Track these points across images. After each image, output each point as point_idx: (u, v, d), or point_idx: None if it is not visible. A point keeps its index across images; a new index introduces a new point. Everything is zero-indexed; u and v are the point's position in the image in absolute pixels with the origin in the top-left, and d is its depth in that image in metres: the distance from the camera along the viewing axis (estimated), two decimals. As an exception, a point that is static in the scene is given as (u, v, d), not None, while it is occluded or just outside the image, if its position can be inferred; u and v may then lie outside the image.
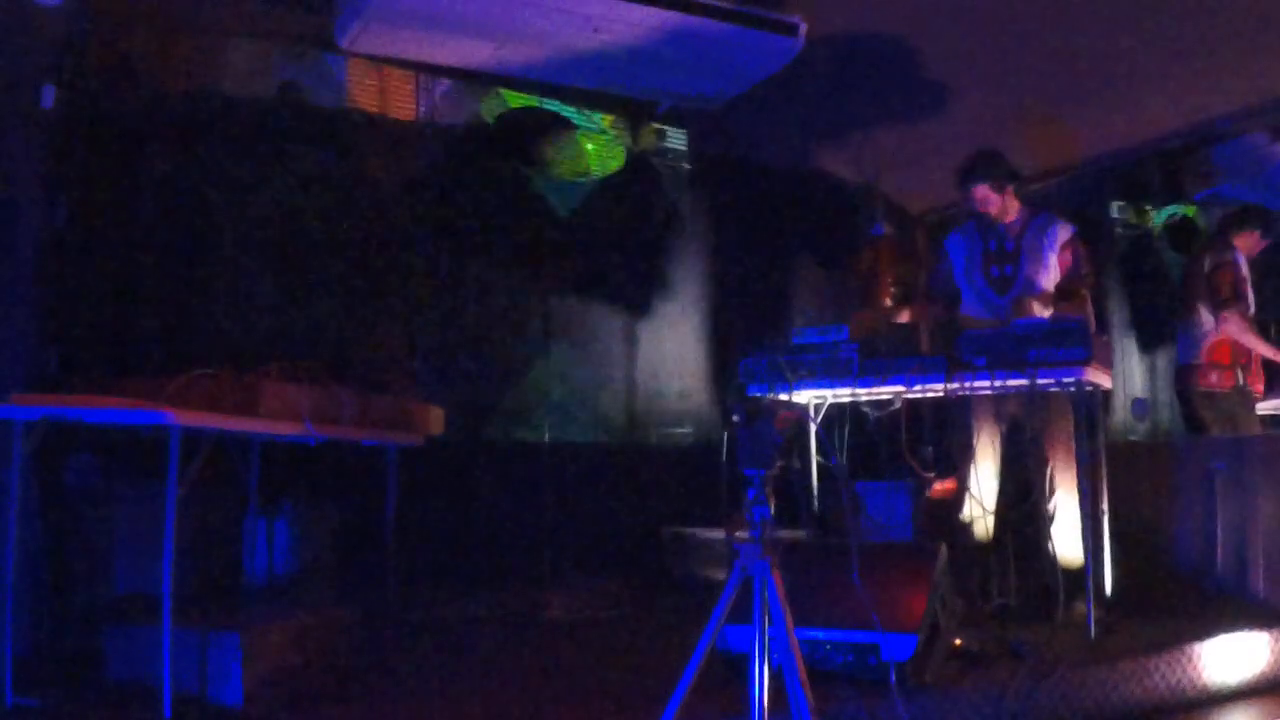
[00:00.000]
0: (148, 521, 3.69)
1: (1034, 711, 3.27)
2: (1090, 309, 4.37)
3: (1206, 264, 5.34)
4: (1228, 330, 5.19)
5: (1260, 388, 5.43)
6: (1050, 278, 4.43)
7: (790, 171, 6.85)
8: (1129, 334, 7.90)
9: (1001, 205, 4.49)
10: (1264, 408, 5.91)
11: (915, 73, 5.53)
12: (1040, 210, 4.63)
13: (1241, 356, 5.26)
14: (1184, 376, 5.48)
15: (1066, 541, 4.19)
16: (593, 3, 4.48)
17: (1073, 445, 4.22)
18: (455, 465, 5.42)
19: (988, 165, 4.47)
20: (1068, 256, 4.42)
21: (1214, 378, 5.26)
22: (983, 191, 4.46)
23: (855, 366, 3.97)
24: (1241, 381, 5.26)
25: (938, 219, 7.20)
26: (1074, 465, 4.22)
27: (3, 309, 3.95)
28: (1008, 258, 4.49)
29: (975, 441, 4.37)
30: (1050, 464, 4.24)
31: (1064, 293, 4.38)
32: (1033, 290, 4.39)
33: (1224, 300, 5.15)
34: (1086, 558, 3.85)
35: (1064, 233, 4.45)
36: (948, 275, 4.69)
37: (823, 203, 6.89)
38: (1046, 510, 4.25)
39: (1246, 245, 5.37)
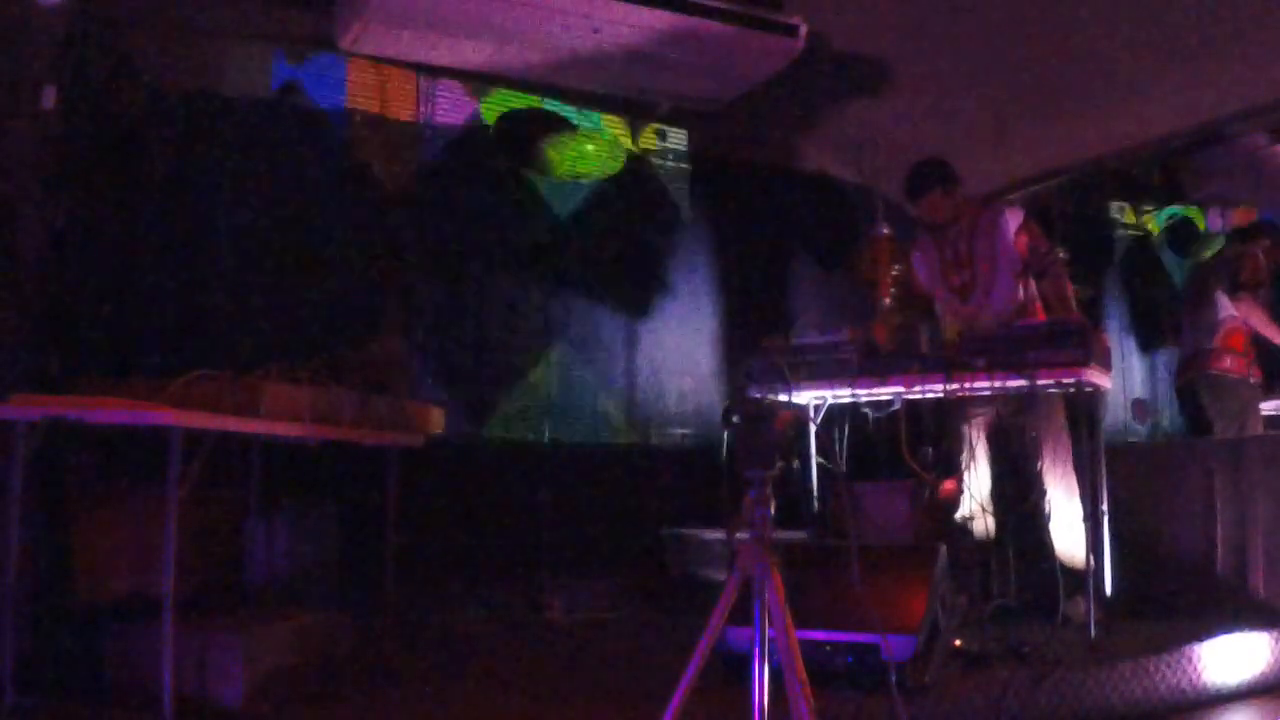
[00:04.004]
0: (148, 521, 3.69)
1: (1034, 711, 3.27)
2: (1069, 288, 4.37)
3: (1228, 253, 5.37)
4: (1242, 310, 5.20)
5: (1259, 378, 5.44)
6: (1012, 269, 4.41)
7: (790, 171, 6.85)
8: (1129, 334, 7.91)
9: (951, 210, 4.50)
10: (1264, 408, 5.92)
11: (915, 73, 5.53)
12: (987, 204, 4.64)
13: (1251, 350, 5.27)
14: (1193, 363, 5.42)
15: (1066, 540, 4.19)
16: (593, 4, 4.48)
17: (1065, 443, 4.23)
18: (455, 465, 5.42)
19: (932, 173, 4.49)
20: (1025, 239, 4.39)
21: (1228, 362, 5.24)
22: (933, 199, 4.48)
23: (855, 367, 3.98)
24: (1251, 375, 5.26)
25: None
26: (1069, 462, 4.23)
27: (3, 309, 3.95)
28: (963, 263, 4.50)
29: (966, 443, 4.37)
30: (1042, 463, 4.23)
31: (1041, 269, 4.36)
32: (994, 290, 4.39)
33: (1243, 283, 5.18)
34: (1087, 556, 3.85)
35: (1014, 219, 4.43)
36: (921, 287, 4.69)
37: (823, 203, 6.90)
38: (1043, 509, 4.25)
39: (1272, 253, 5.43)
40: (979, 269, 4.43)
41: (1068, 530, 4.22)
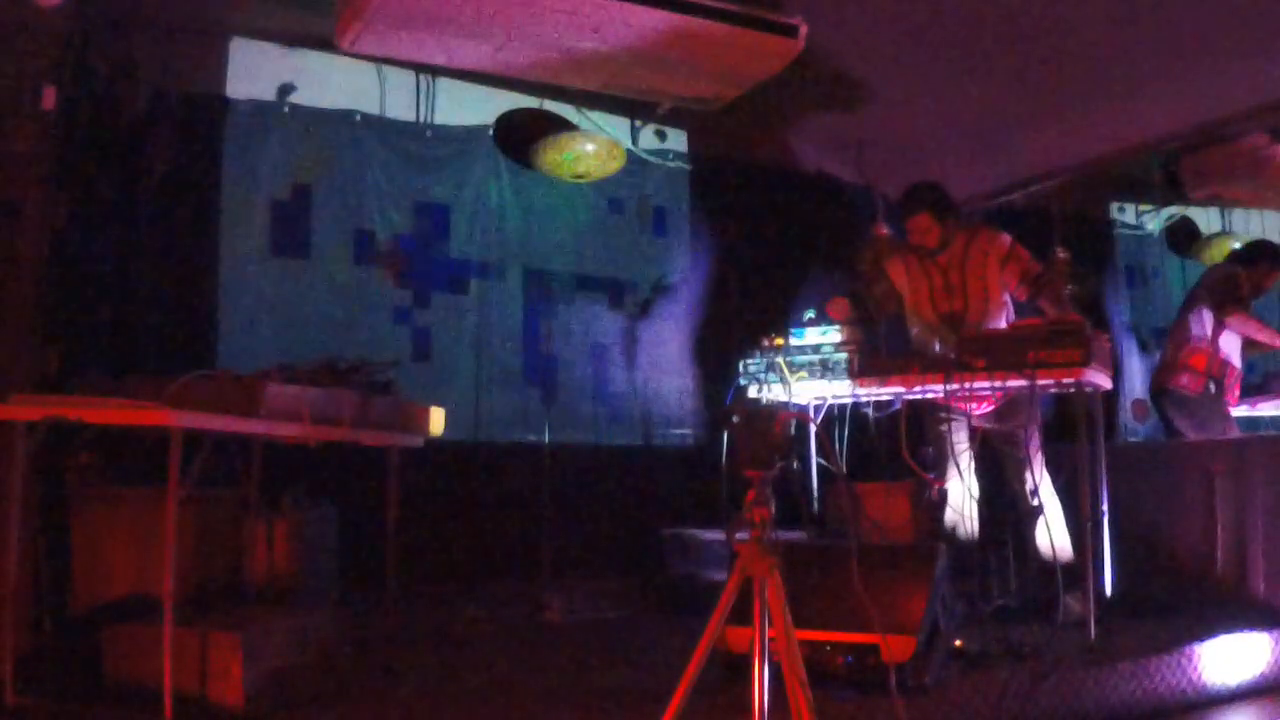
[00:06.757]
0: (148, 521, 3.70)
1: (1034, 711, 3.27)
2: (1064, 290, 4.37)
3: (1213, 275, 5.48)
4: (1235, 324, 5.27)
5: (1234, 402, 5.48)
6: (1002, 295, 4.46)
7: (790, 171, 6.85)
8: (1129, 334, 7.91)
9: (941, 236, 4.48)
10: (1264, 408, 5.94)
11: (915, 74, 5.53)
12: (973, 228, 4.63)
13: (1215, 369, 5.32)
14: (1157, 375, 5.61)
15: (1057, 537, 4.21)
16: (593, 4, 4.48)
17: (1042, 443, 4.27)
18: (455, 465, 5.42)
19: (929, 195, 4.47)
20: (1014, 266, 4.41)
21: (1185, 379, 5.36)
22: (925, 221, 4.45)
23: (855, 367, 3.98)
24: (1212, 390, 5.31)
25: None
26: (1043, 460, 4.27)
27: (3, 309, 3.95)
28: (955, 292, 4.49)
29: (952, 449, 4.37)
30: (1027, 465, 4.24)
31: (1036, 291, 4.38)
32: (987, 320, 4.41)
33: (1232, 300, 5.25)
34: (1086, 552, 3.85)
35: (1002, 245, 4.45)
36: (889, 294, 4.65)
37: (823, 203, 6.89)
38: (1031, 509, 4.26)
39: (1254, 276, 5.46)
40: (970, 299, 4.44)
41: (1055, 526, 4.24)
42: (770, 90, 5.33)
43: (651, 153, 6.42)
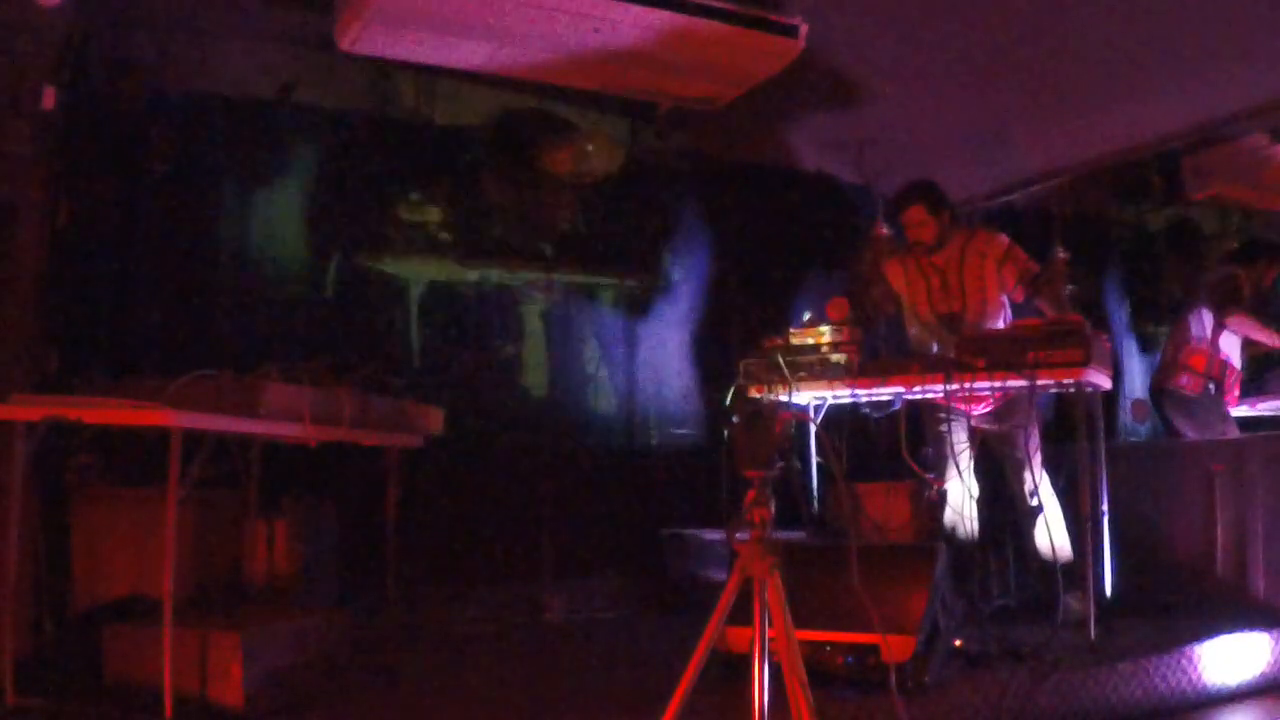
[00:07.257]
0: (148, 521, 3.70)
1: (1034, 711, 3.27)
2: (1063, 290, 4.38)
3: (1212, 276, 5.49)
4: (1235, 325, 5.29)
5: (1234, 402, 5.50)
6: (1000, 296, 4.48)
7: (790, 171, 6.85)
8: (1129, 334, 7.91)
9: (937, 231, 4.49)
10: (1265, 408, 5.95)
11: (915, 74, 5.53)
12: (970, 230, 4.64)
13: (1214, 370, 5.34)
14: (1157, 375, 5.64)
15: (1056, 537, 4.22)
16: (593, 4, 4.48)
17: (1040, 443, 4.27)
18: (455, 465, 5.42)
19: (921, 188, 4.51)
20: (1011, 267, 4.42)
21: (1184, 379, 5.39)
22: (918, 214, 4.47)
23: (855, 367, 3.98)
24: (1211, 390, 5.33)
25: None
26: (1040, 460, 4.27)
27: (3, 309, 3.95)
28: (952, 293, 4.50)
29: (952, 449, 4.38)
30: (1026, 465, 4.24)
31: (1035, 291, 4.38)
32: (984, 322, 4.42)
33: (1232, 300, 5.27)
34: (1086, 552, 3.85)
35: (998, 247, 4.46)
36: (886, 295, 4.68)
37: (823, 203, 6.89)
38: (1030, 509, 4.27)
39: (1253, 274, 5.47)
40: (968, 299, 4.45)
41: (1054, 526, 4.25)
42: (770, 90, 5.33)
43: (651, 153, 6.41)
